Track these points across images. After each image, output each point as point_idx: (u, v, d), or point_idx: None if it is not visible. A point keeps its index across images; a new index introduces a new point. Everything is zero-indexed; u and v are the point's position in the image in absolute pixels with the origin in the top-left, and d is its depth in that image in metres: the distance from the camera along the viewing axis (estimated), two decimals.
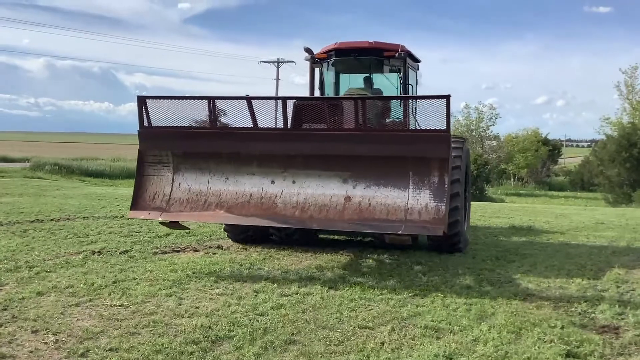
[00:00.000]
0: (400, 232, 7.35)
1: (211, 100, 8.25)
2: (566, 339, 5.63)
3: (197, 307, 6.51)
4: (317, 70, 11.42)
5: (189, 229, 9.67)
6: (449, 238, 9.23)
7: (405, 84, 10.86)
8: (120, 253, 9.44)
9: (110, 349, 5.20)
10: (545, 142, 67.32)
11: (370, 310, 6.50)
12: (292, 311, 6.40)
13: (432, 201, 7.33)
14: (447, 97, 7.14)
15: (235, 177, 8.42)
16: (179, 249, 9.96)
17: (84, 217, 13.70)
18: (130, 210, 8.63)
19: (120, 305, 6.54)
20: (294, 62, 58.22)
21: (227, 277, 7.96)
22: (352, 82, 11.78)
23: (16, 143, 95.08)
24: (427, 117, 7.63)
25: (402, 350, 5.30)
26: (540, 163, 64.39)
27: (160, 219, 8.45)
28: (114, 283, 7.49)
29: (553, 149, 69.27)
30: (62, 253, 9.34)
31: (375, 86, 11.37)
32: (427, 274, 8.33)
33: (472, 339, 5.61)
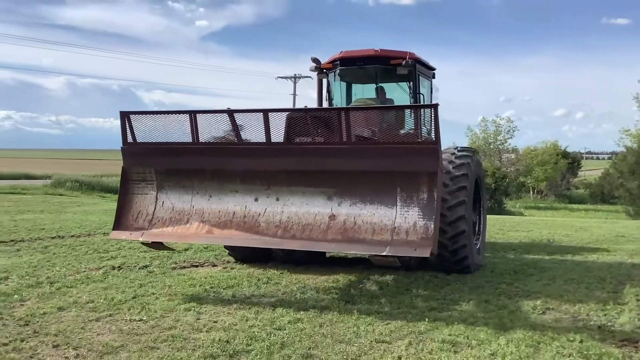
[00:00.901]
0: (384, 254, 6.76)
1: (192, 114, 7.85)
2: (585, 352, 5.60)
3: (215, 322, 6.56)
4: (325, 82, 11.12)
5: (173, 249, 9.46)
6: (457, 262, 9.03)
7: (415, 93, 10.44)
8: (139, 268, 9.53)
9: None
10: (565, 154, 66.86)
11: (387, 324, 6.50)
12: (309, 325, 6.43)
13: (421, 219, 6.74)
14: (434, 107, 6.89)
15: (218, 194, 8.05)
16: (197, 264, 10.03)
17: (104, 233, 13.82)
18: (113, 230, 8.30)
19: (139, 320, 6.61)
20: (310, 77, 58.58)
21: (245, 291, 8.01)
22: (360, 93, 11.51)
23: (38, 160, 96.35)
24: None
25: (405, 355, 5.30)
26: (559, 176, 63.92)
27: (141, 239, 8.14)
28: (133, 298, 7.57)
29: (573, 161, 68.72)
30: (83, 269, 9.44)
31: (388, 96, 11.02)
32: (444, 288, 8.32)
33: (491, 353, 5.59)
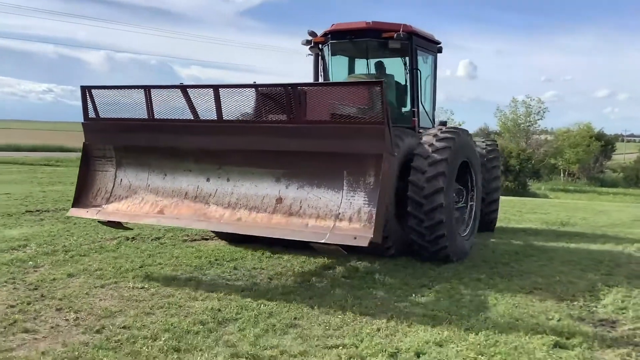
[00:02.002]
0: (323, 241, 6.33)
1: (147, 89, 7.54)
2: (559, 330, 5.80)
3: (212, 292, 6.90)
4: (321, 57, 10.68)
5: (131, 228, 9.15)
6: (435, 252, 8.57)
7: (412, 68, 9.99)
8: (152, 240, 9.94)
9: (124, 327, 5.62)
10: (599, 137, 65.73)
11: (375, 299, 6.77)
12: (299, 297, 6.74)
13: (366, 206, 6.30)
14: (381, 83, 6.43)
15: (173, 173, 7.84)
16: (208, 237, 10.39)
17: None
18: (72, 207, 8.19)
19: (141, 288, 6.99)
20: None
21: (247, 264, 8.34)
22: (357, 69, 11.12)
23: (74, 133, 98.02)
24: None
25: (395, 336, 5.56)
26: (592, 159, 62.97)
27: (96, 217, 7.95)
28: (140, 267, 7.96)
29: (606, 144, 67.51)
30: (99, 239, 9.88)
31: (388, 72, 10.58)
32: (441, 266, 8.54)
33: (467, 328, 5.83)
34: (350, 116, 7.46)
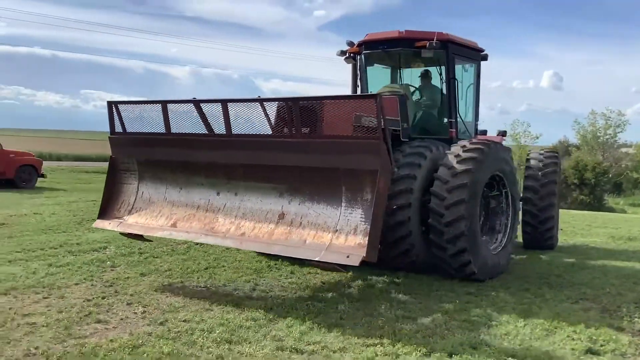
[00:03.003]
0: (317, 259, 6.29)
1: (164, 104, 7.73)
2: (595, 338, 5.99)
3: (267, 292, 7.44)
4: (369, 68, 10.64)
5: (151, 240, 9.20)
6: (458, 269, 8.23)
7: (449, 78, 9.83)
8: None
9: (184, 320, 6.22)
10: None
11: (419, 303, 7.11)
12: (347, 300, 7.17)
13: (363, 223, 6.22)
14: (376, 97, 6.38)
15: (187, 187, 7.96)
16: None
17: None
18: (97, 218, 8.42)
19: (204, 287, 7.62)
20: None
21: (304, 269, 8.80)
22: (389, 79, 11.00)
23: None
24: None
25: (432, 337, 5.90)
26: None
27: (117, 229, 8.15)
28: (205, 269, 8.60)
29: None
30: (171, 242, 10.60)
31: (435, 82, 10.44)
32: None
33: (504, 333, 6.10)
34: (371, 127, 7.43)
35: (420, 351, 5.47)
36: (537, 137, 54.22)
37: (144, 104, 8.17)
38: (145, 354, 5.21)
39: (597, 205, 36.17)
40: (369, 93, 10.14)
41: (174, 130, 7.74)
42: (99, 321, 6.17)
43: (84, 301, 6.85)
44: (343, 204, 6.51)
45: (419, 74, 10.61)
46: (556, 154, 12.15)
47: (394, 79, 11.08)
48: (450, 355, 5.42)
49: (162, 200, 8.09)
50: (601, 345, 5.80)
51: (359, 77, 10.63)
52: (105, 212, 8.37)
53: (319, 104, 6.97)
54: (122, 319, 6.27)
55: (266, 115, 7.32)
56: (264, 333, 5.88)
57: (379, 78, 10.81)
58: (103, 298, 7.00)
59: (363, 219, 6.26)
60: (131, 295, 7.18)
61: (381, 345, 5.61)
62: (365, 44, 10.27)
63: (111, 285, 7.61)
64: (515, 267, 9.54)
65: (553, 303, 7.34)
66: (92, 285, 7.61)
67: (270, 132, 7.37)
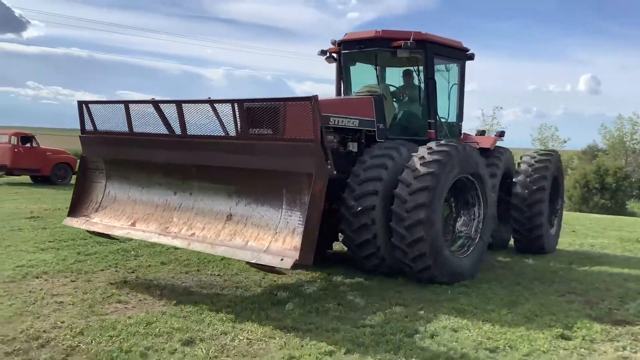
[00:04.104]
0: (253, 262, 6.33)
1: (126, 104, 7.85)
2: (570, 325, 6.47)
3: (275, 281, 8.07)
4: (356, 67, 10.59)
5: (117, 238, 8.91)
6: (419, 272, 8.05)
7: (427, 78, 9.73)
8: None
9: (196, 302, 6.87)
10: None
11: (413, 294, 7.63)
12: (349, 289, 7.79)
13: (300, 226, 6.22)
14: (312, 99, 6.32)
15: (148, 186, 8.02)
16: None
17: None
18: (67, 216, 8.56)
19: (217, 275, 8.29)
20: None
21: (315, 264, 9.36)
22: (367, 79, 10.70)
23: None
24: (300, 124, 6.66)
25: (418, 321, 6.45)
26: None
27: (83, 226, 8.28)
28: (221, 259, 9.24)
29: None
30: None
31: (416, 82, 10.26)
32: (490, 271, 9.31)
33: (486, 319, 6.62)
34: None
35: (404, 333, 6.02)
36: (565, 141, 54.17)
37: (112, 103, 8.30)
38: (157, 329, 5.87)
39: (618, 209, 36.11)
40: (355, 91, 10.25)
41: (141, 130, 7.85)
42: (119, 301, 6.87)
43: (107, 285, 7.56)
44: (284, 207, 6.55)
45: (402, 73, 10.51)
46: (549, 157, 11.63)
47: (376, 79, 10.87)
48: (432, 337, 5.97)
49: (125, 199, 8.20)
50: (574, 332, 6.28)
51: (342, 77, 10.62)
52: (74, 210, 8.51)
53: (282, 105, 6.86)
54: (140, 300, 6.96)
55: (217, 116, 7.20)
56: (266, 315, 6.50)
57: (363, 77, 10.70)
58: (125, 282, 7.71)
59: (301, 222, 6.26)
60: (151, 280, 7.89)
61: (371, 327, 6.17)
62: (344, 44, 10.28)
63: (133, 272, 8.32)
64: (512, 266, 10.02)
65: (540, 296, 7.83)
66: (116, 271, 8.34)
67: (222, 133, 7.28)
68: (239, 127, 6.96)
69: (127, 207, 8.09)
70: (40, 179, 23.99)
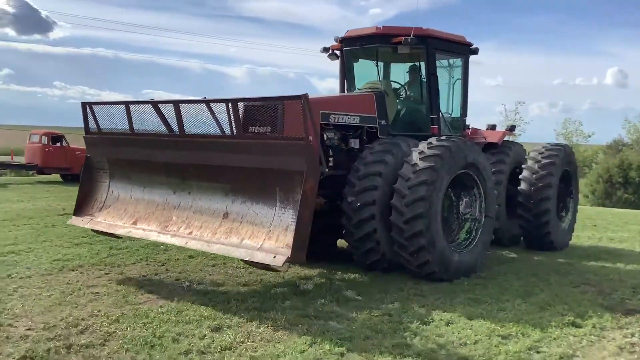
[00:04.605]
0: (247, 259, 6.47)
1: (127, 104, 7.99)
2: (581, 314, 6.73)
3: (298, 273, 8.46)
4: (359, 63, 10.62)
5: (120, 237, 8.88)
6: (418, 267, 8.07)
7: (429, 74, 9.74)
8: None
9: (223, 292, 7.27)
10: None
11: (431, 286, 7.88)
12: (368, 280, 8.14)
13: (293, 224, 6.28)
14: (302, 97, 6.30)
15: (149, 186, 8.13)
16: None
17: None
18: (73, 215, 8.69)
19: (243, 268, 8.63)
20: None
21: (334, 257, 9.71)
22: (370, 75, 10.58)
23: None
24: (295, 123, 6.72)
25: (435, 310, 6.75)
26: None
27: (87, 225, 8.40)
28: None
29: None
30: None
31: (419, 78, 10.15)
32: (507, 264, 9.57)
33: (500, 309, 6.90)
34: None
35: (421, 320, 6.33)
36: (589, 136, 53.82)
37: (114, 104, 8.39)
38: (187, 317, 6.25)
39: None
40: (361, 88, 10.15)
41: (143, 129, 7.98)
42: (151, 292, 7.27)
43: (139, 277, 7.99)
44: (277, 204, 6.64)
45: (408, 69, 10.48)
46: (557, 151, 11.25)
47: (385, 75, 10.79)
48: (447, 324, 6.28)
49: (128, 199, 8.32)
50: (584, 320, 6.53)
51: (346, 74, 10.66)
52: (80, 209, 8.66)
53: (280, 104, 7.02)
54: (170, 291, 7.35)
55: (213, 115, 7.31)
56: (290, 304, 6.86)
57: (366, 74, 10.63)
58: (155, 274, 8.12)
59: (293, 220, 6.31)
60: (179, 272, 8.29)
61: (389, 315, 6.49)
62: (346, 41, 10.30)
63: (163, 265, 8.73)
64: (528, 259, 10.19)
65: (555, 286, 8.07)
66: (146, 264, 8.76)
67: (218, 132, 7.35)
68: (233, 126, 7.06)
69: (129, 206, 8.23)
70: (70, 177, 24.61)
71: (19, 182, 24.94)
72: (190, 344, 5.48)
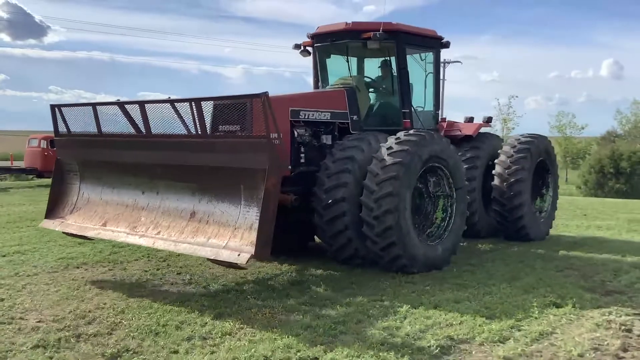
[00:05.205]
0: (213, 258, 6.58)
1: (93, 106, 7.98)
2: (563, 295, 7.10)
3: (293, 264, 8.77)
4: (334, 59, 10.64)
5: (93, 239, 8.69)
6: (389, 262, 8.15)
7: (399, 69, 9.77)
8: None
9: (223, 284, 7.64)
10: None
11: (422, 274, 8.18)
12: (361, 270, 8.45)
13: (257, 221, 6.32)
14: (262, 96, 6.35)
15: (119, 187, 8.14)
16: None
17: None
18: (44, 218, 8.76)
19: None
20: (459, 62, 57.51)
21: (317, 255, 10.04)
22: (343, 71, 10.65)
23: None
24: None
25: (424, 295, 7.11)
26: None
27: (58, 228, 8.45)
28: None
29: None
30: None
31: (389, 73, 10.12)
32: (496, 252, 9.98)
33: (486, 292, 7.27)
34: None
35: (411, 304, 6.69)
36: (583, 128, 54.35)
37: (82, 106, 8.36)
38: (189, 306, 6.61)
39: (633, 193, 36.20)
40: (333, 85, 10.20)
41: (113, 131, 7.98)
42: (154, 285, 7.63)
43: (142, 272, 8.33)
44: (242, 203, 6.67)
45: (380, 63, 10.43)
46: (529, 144, 11.14)
47: (359, 70, 10.95)
48: (435, 307, 6.63)
49: (98, 200, 8.33)
50: (565, 301, 6.89)
51: (318, 70, 10.62)
52: (51, 212, 8.71)
53: (249, 102, 6.89)
54: (172, 284, 7.71)
55: (179, 115, 7.34)
56: (287, 293, 7.21)
57: (340, 70, 10.68)
58: (157, 270, 8.46)
59: (257, 217, 6.36)
60: (181, 267, 8.63)
61: (381, 301, 6.85)
62: (316, 37, 10.30)
63: (164, 261, 9.07)
64: (517, 246, 10.55)
65: (540, 271, 8.45)
66: (148, 260, 9.10)
67: (184, 132, 7.38)
68: (197, 125, 7.05)
69: (99, 207, 8.24)
70: None
71: (20, 186, 25.25)
72: (192, 331, 5.82)
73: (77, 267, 8.60)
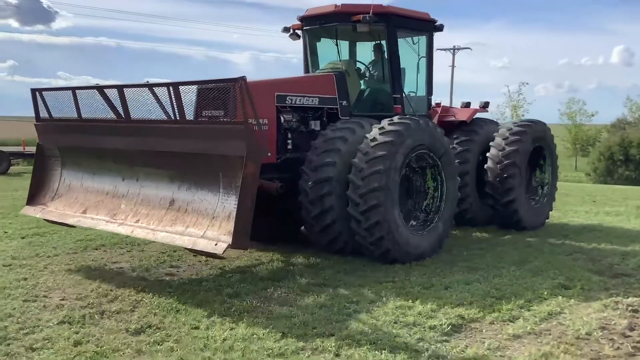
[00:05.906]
0: (190, 247, 6.38)
1: (73, 90, 7.75)
2: (571, 277, 7.27)
3: (307, 247, 8.95)
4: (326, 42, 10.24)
5: (74, 226, 8.62)
6: (373, 244, 7.89)
7: (390, 52, 9.49)
8: None
9: (238, 266, 7.87)
10: None
11: (433, 257, 8.37)
12: (350, 257, 8.58)
13: (235, 210, 6.11)
14: (240, 80, 6.14)
15: (99, 173, 7.94)
16: None
17: None
18: (26, 205, 8.59)
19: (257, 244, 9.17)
20: (469, 48, 56.72)
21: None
22: (332, 56, 10.17)
23: None
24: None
25: (435, 277, 7.29)
26: None
27: (39, 215, 8.30)
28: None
29: None
30: None
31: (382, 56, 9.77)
32: (506, 236, 10.17)
33: (495, 275, 7.44)
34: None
35: (422, 285, 6.88)
36: (592, 115, 54.21)
37: (63, 90, 8.13)
38: (207, 286, 6.82)
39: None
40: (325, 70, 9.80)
41: (93, 116, 7.78)
42: (171, 266, 7.85)
43: (159, 253, 8.54)
44: (221, 191, 6.45)
45: (373, 47, 10.15)
46: (525, 129, 10.83)
47: (352, 54, 10.59)
48: (446, 288, 6.83)
49: (79, 187, 8.15)
50: (573, 283, 7.06)
51: (308, 54, 10.28)
52: (33, 198, 8.52)
53: (232, 86, 6.44)
54: (189, 265, 7.93)
55: (157, 100, 7.03)
56: (300, 274, 7.41)
57: (331, 54, 10.23)
58: (175, 251, 8.65)
59: (235, 205, 6.16)
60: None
61: (393, 283, 7.05)
62: (305, 20, 9.92)
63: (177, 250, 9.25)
64: (526, 234, 10.55)
65: (548, 255, 8.61)
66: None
67: (164, 117, 7.06)
68: (175, 110, 6.80)
69: (80, 194, 8.07)
70: None
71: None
72: (212, 309, 6.02)
73: (96, 249, 8.83)
